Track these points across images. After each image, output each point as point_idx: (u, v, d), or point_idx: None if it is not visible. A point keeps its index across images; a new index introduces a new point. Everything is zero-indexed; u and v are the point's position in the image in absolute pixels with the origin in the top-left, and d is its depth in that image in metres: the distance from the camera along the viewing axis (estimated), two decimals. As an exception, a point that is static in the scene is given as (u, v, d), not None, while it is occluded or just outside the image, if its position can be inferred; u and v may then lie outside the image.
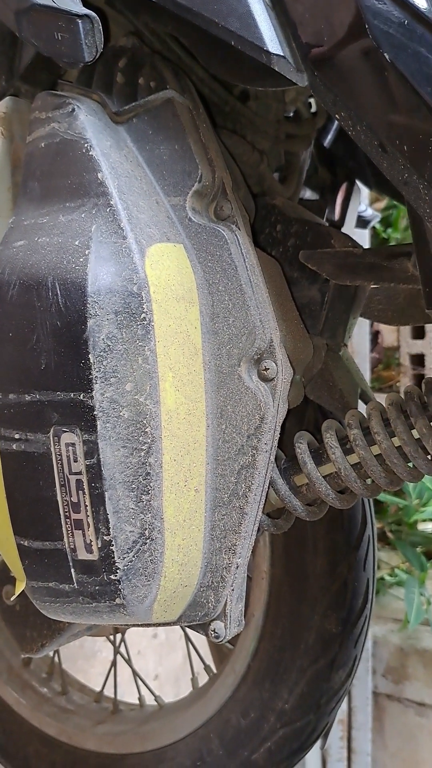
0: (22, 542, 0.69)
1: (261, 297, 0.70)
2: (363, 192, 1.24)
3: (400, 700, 1.94)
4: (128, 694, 1.26)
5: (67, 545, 0.66)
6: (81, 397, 0.63)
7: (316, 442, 0.79)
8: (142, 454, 0.64)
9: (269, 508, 0.79)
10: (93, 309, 0.62)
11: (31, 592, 0.71)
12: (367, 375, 2.08)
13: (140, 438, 0.64)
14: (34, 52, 0.74)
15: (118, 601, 0.66)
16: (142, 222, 0.66)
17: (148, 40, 0.75)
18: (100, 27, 0.62)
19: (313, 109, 1.04)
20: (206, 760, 1.04)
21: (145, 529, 0.65)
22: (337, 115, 0.63)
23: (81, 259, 0.63)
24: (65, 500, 0.65)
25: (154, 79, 0.73)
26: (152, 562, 0.66)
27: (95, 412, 0.63)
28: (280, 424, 0.73)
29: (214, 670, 1.15)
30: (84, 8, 0.62)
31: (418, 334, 2.28)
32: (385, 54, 0.58)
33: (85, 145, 0.67)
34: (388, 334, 2.48)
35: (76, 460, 0.64)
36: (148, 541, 0.65)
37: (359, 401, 0.91)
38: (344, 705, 1.93)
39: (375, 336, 2.42)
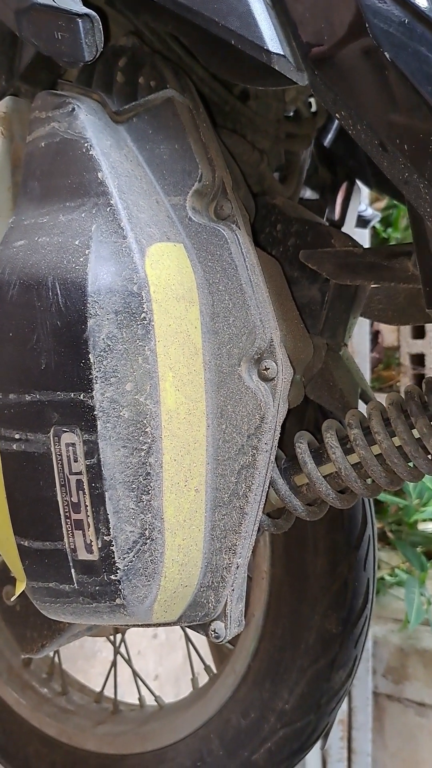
0: (22, 542, 0.68)
1: (261, 296, 0.70)
2: (363, 191, 1.24)
3: (401, 700, 1.93)
4: (128, 695, 1.26)
5: (67, 545, 0.66)
6: (81, 397, 0.63)
7: (317, 441, 0.79)
8: (143, 454, 0.64)
9: (269, 507, 0.79)
10: (93, 309, 0.62)
11: (32, 593, 0.71)
12: (367, 375, 2.08)
13: (140, 438, 0.64)
14: (34, 51, 0.74)
15: (118, 601, 0.66)
16: (142, 221, 0.66)
17: (148, 40, 0.75)
18: (101, 26, 0.62)
19: (314, 108, 1.04)
20: (206, 760, 1.04)
21: (146, 529, 0.65)
22: (337, 115, 0.63)
23: (81, 259, 0.63)
24: (65, 500, 0.65)
25: (154, 78, 0.73)
26: (152, 562, 0.66)
27: (95, 412, 0.63)
28: (281, 424, 0.73)
29: (215, 671, 1.15)
30: (84, 8, 0.62)
31: (418, 333, 2.28)
32: (386, 53, 0.58)
33: (85, 144, 0.66)
34: (388, 333, 2.48)
35: (76, 460, 0.64)
36: (148, 541, 0.65)
37: (359, 401, 0.91)
38: (344, 705, 1.93)
39: (375, 336, 2.42)
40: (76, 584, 0.67)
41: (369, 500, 1.01)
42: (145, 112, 0.71)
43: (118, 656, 1.23)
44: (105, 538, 0.64)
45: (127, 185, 0.67)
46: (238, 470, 0.70)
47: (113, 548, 0.64)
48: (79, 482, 0.64)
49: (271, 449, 0.71)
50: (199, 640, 1.09)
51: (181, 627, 0.83)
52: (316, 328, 0.84)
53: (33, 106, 0.71)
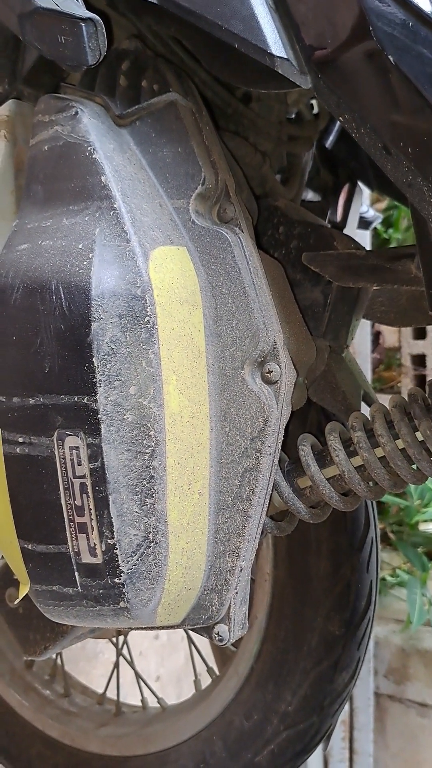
0: (25, 545, 0.69)
1: (264, 299, 0.70)
2: (364, 193, 1.24)
3: (402, 701, 1.94)
4: (130, 696, 1.26)
5: (70, 549, 0.66)
6: (85, 401, 0.63)
7: (320, 444, 0.79)
8: (146, 457, 0.64)
9: (273, 510, 0.79)
10: (97, 312, 0.62)
11: (35, 596, 0.71)
12: (368, 375, 2.08)
13: (144, 441, 0.64)
14: (37, 55, 0.74)
15: (122, 604, 0.66)
16: (146, 225, 0.66)
17: (151, 43, 0.75)
18: (104, 30, 0.62)
19: (315, 110, 1.04)
20: (209, 762, 1.04)
21: (149, 532, 0.65)
22: (340, 117, 0.63)
23: (85, 263, 0.63)
24: (69, 504, 0.65)
25: (157, 81, 0.73)
26: (156, 565, 0.66)
27: (99, 416, 0.63)
28: (284, 427, 0.73)
29: (217, 672, 1.15)
30: (87, 11, 0.62)
31: (420, 334, 2.28)
32: (389, 56, 0.58)
33: (89, 148, 0.67)
34: (390, 334, 2.48)
35: (80, 464, 0.64)
36: (152, 544, 0.65)
37: (362, 403, 0.91)
38: (346, 706, 1.93)
39: (376, 336, 2.42)
40: (79, 587, 0.67)
41: (371, 502, 1.01)
42: (148, 115, 0.71)
43: (120, 658, 1.23)
44: (109, 541, 0.64)
45: (131, 188, 0.67)
46: (241, 473, 0.70)
47: (117, 551, 0.64)
48: (82, 485, 0.64)
49: (274, 452, 0.71)
50: (201, 641, 1.09)
51: (184, 629, 0.83)
52: (318, 331, 0.84)
53: (36, 109, 0.71)
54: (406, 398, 0.76)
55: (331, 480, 0.77)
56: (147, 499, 0.65)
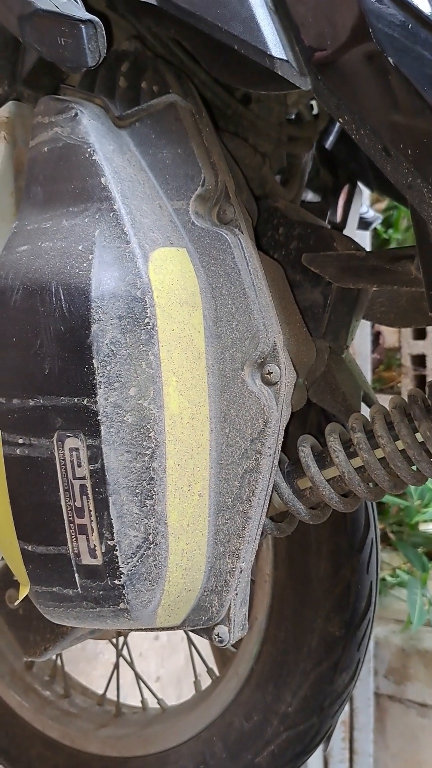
0: (26, 547, 0.69)
1: (264, 300, 0.70)
2: (364, 193, 1.24)
3: (402, 701, 1.94)
4: (130, 697, 1.26)
5: (71, 550, 0.66)
6: (85, 402, 0.63)
7: (320, 445, 0.79)
8: (146, 458, 0.64)
9: (273, 511, 0.79)
10: (97, 314, 0.62)
11: (35, 597, 0.71)
12: (368, 376, 2.08)
13: (144, 443, 0.64)
14: (37, 56, 0.74)
15: (122, 605, 0.66)
16: (146, 226, 0.66)
17: (150, 44, 0.75)
18: (103, 32, 0.62)
19: (315, 111, 1.04)
20: (209, 763, 1.04)
21: (149, 533, 0.65)
22: (340, 119, 0.63)
23: (84, 264, 0.63)
24: (69, 505, 0.65)
25: (156, 83, 0.73)
26: (156, 566, 0.66)
27: (99, 417, 0.63)
28: (284, 428, 0.73)
29: (217, 673, 1.15)
30: (87, 13, 0.62)
31: (420, 335, 2.28)
32: (389, 57, 0.58)
33: (88, 149, 0.67)
34: (390, 335, 2.48)
35: (79, 465, 0.64)
36: (152, 545, 0.65)
37: (362, 404, 0.91)
38: (346, 706, 1.93)
39: (376, 337, 2.42)
40: (79, 589, 0.67)
41: (371, 503, 1.01)
42: (148, 116, 0.71)
43: (120, 659, 1.23)
44: (109, 542, 0.64)
45: (130, 190, 0.67)
46: (241, 474, 0.70)
47: (117, 553, 0.64)
48: (82, 487, 0.64)
49: (274, 453, 0.71)
50: (201, 642, 1.09)
51: (184, 630, 0.83)
52: (318, 332, 0.84)
53: (36, 110, 0.71)
54: (406, 399, 0.76)
55: (331, 481, 0.77)
56: (147, 501, 0.65)
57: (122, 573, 0.65)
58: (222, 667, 1.21)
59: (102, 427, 0.63)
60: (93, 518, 0.64)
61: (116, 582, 0.65)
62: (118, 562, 0.65)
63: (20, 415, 0.66)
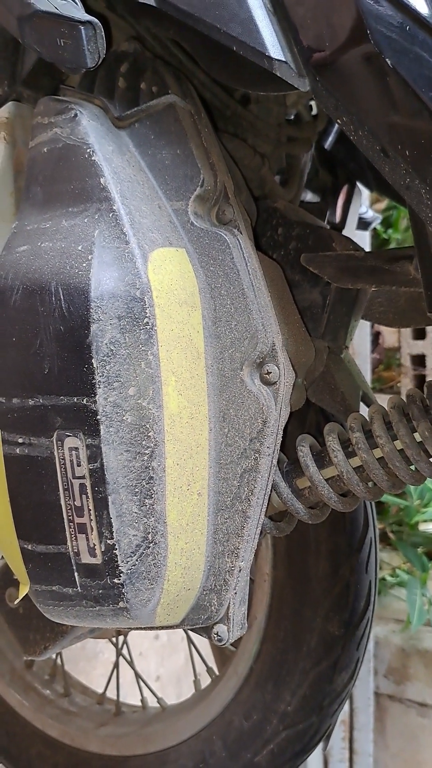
0: (25, 546, 0.69)
1: (263, 301, 0.70)
2: (363, 193, 1.24)
3: (402, 701, 1.94)
4: (130, 696, 1.27)
5: (70, 549, 0.66)
6: (84, 402, 0.63)
7: (318, 445, 0.80)
8: (146, 458, 0.64)
9: (272, 511, 0.79)
10: (96, 314, 0.62)
11: (35, 596, 0.71)
12: (367, 376, 2.08)
13: (143, 442, 0.64)
14: (37, 57, 0.74)
15: (121, 604, 0.66)
16: (145, 227, 0.66)
17: (149, 45, 0.76)
18: (103, 33, 0.62)
19: (314, 111, 1.04)
20: (209, 762, 1.04)
21: (149, 532, 0.65)
22: (338, 120, 0.63)
23: (84, 264, 0.63)
24: (69, 504, 0.65)
25: (156, 83, 0.73)
26: (155, 565, 0.66)
27: (98, 417, 0.63)
28: (283, 428, 0.73)
29: (217, 672, 1.15)
30: (86, 14, 0.62)
31: (419, 334, 2.29)
32: (387, 59, 0.58)
33: (88, 150, 0.67)
34: (389, 334, 2.49)
35: (79, 465, 0.64)
36: (151, 545, 0.65)
37: (361, 404, 0.92)
38: (346, 706, 1.93)
39: (376, 337, 2.42)
40: (79, 587, 0.67)
41: (370, 503, 1.02)
42: (147, 117, 0.71)
43: (120, 658, 1.23)
44: (108, 541, 0.65)
45: (130, 190, 0.67)
46: (240, 474, 0.70)
47: (116, 552, 0.65)
48: (82, 486, 0.65)
49: (273, 453, 0.71)
50: (201, 641, 1.09)
51: (184, 629, 0.83)
52: (317, 332, 0.84)
53: (35, 111, 0.71)
54: (405, 399, 0.77)
55: (329, 481, 0.77)
56: (146, 500, 0.65)
57: (122, 572, 0.65)
58: (221, 666, 1.21)
59: (101, 427, 0.63)
60: (92, 517, 0.65)
61: (116, 581, 0.65)
62: (117, 561, 0.65)
63: (20, 415, 0.66)
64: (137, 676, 1.23)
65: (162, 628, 0.72)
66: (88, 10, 0.64)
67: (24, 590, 0.72)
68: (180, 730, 1.09)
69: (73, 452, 0.64)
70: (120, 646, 1.23)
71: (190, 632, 1.05)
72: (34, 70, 0.75)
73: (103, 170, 0.66)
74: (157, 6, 0.65)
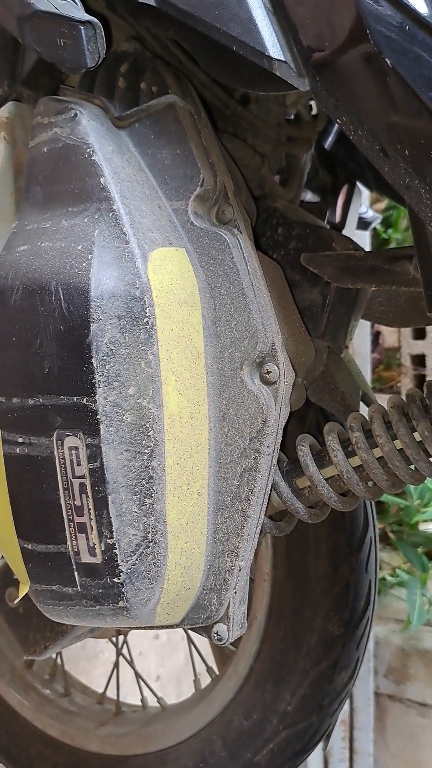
0: (25, 545, 0.69)
1: (263, 300, 0.70)
2: (363, 193, 1.24)
3: (402, 701, 1.94)
4: (130, 696, 1.27)
5: (70, 548, 0.66)
6: (84, 401, 0.63)
7: (318, 444, 0.80)
8: (145, 457, 0.64)
9: (271, 510, 0.80)
10: (96, 313, 0.62)
11: (35, 595, 0.71)
12: (368, 375, 2.08)
13: (143, 441, 0.64)
14: (37, 57, 0.74)
15: (121, 604, 0.66)
16: (145, 226, 0.66)
17: (149, 45, 0.76)
18: (102, 33, 0.62)
19: (314, 111, 1.04)
20: (209, 761, 1.04)
21: (148, 532, 0.65)
22: (338, 120, 0.63)
23: (84, 264, 0.63)
24: (68, 504, 0.65)
25: (155, 83, 0.73)
26: (155, 565, 0.66)
27: (98, 416, 0.63)
28: (283, 427, 0.73)
29: (217, 672, 1.15)
30: (86, 14, 0.62)
31: (419, 334, 2.29)
32: (386, 59, 0.58)
33: (88, 149, 0.67)
34: (389, 334, 2.49)
35: (79, 464, 0.64)
36: (151, 544, 0.66)
37: (361, 403, 0.92)
38: (346, 705, 1.93)
39: (376, 337, 2.42)
40: (79, 587, 0.67)
41: (370, 502, 1.02)
42: (147, 117, 0.71)
43: (120, 657, 1.24)
44: (108, 541, 0.65)
45: (130, 190, 0.67)
46: (240, 473, 0.70)
47: (116, 551, 0.65)
48: (82, 486, 0.65)
49: (273, 452, 0.71)
50: (201, 641, 1.09)
51: (184, 629, 0.83)
52: (317, 331, 0.84)
53: (35, 111, 0.71)
54: (405, 399, 0.77)
55: (329, 480, 0.77)
56: (146, 499, 0.65)
57: (121, 571, 0.65)
58: (221, 666, 1.21)
59: (101, 426, 0.63)
60: (92, 517, 0.65)
61: (115, 580, 0.65)
62: (117, 561, 0.65)
63: (20, 414, 0.66)
64: (137, 675, 1.23)
65: (162, 627, 0.72)
66: (88, 10, 0.64)
67: (24, 590, 0.73)
68: (180, 729, 1.09)
69: (73, 452, 0.64)
70: (120, 645, 1.23)
71: (190, 632, 1.05)
72: (34, 70, 0.75)
73: (103, 170, 0.66)
74: (157, 6, 0.65)
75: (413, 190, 0.61)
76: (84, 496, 0.65)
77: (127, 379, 0.63)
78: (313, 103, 1.03)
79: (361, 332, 2.00)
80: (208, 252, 0.70)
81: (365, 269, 0.78)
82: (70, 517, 0.66)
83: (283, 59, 0.62)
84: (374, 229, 2.34)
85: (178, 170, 0.71)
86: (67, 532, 0.66)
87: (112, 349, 0.63)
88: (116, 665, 1.24)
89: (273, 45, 0.62)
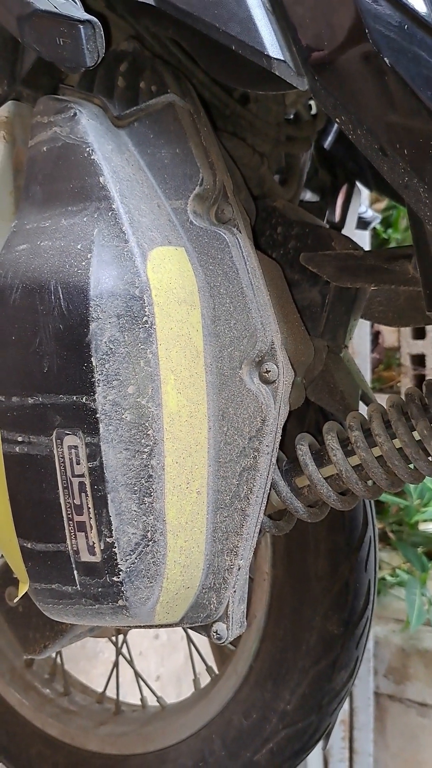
0: (25, 544, 0.69)
1: (262, 299, 0.70)
2: (363, 193, 1.24)
3: (402, 701, 1.94)
4: (130, 695, 1.27)
5: (69, 547, 0.66)
6: (83, 400, 0.63)
7: (318, 443, 0.80)
8: (145, 456, 0.64)
9: (271, 509, 0.80)
10: (95, 312, 0.62)
11: (34, 594, 0.71)
12: (367, 375, 2.08)
13: (142, 440, 0.64)
14: (36, 56, 0.74)
15: (120, 603, 0.66)
16: (144, 225, 0.67)
17: (149, 44, 0.76)
18: (102, 32, 0.62)
19: (313, 111, 1.04)
20: (208, 761, 1.04)
21: (148, 531, 0.65)
22: (337, 119, 0.63)
23: (83, 263, 0.63)
24: (68, 502, 0.65)
25: (155, 83, 0.73)
26: (155, 564, 0.66)
27: (98, 415, 0.63)
28: (282, 426, 0.73)
29: (216, 671, 1.15)
30: (86, 14, 0.62)
31: (419, 334, 2.29)
32: (385, 58, 0.58)
33: (87, 149, 0.67)
34: (389, 334, 2.49)
35: (78, 463, 0.64)
36: (150, 543, 0.66)
37: (360, 403, 0.92)
38: (346, 705, 1.94)
39: (375, 336, 2.42)
40: (78, 586, 0.67)
41: (370, 501, 1.02)
42: (147, 116, 0.71)
43: (120, 657, 1.24)
44: (107, 540, 0.65)
45: (129, 189, 0.68)
46: (239, 472, 0.70)
47: (116, 550, 0.65)
48: (81, 485, 0.65)
49: (272, 451, 0.71)
50: (201, 640, 1.09)
51: (183, 628, 0.83)
52: (316, 331, 0.84)
53: (35, 110, 0.71)
54: (404, 398, 0.77)
55: (328, 479, 0.77)
56: (145, 498, 0.65)
57: (121, 570, 0.65)
58: (221, 665, 1.21)
59: (101, 425, 0.63)
60: (92, 515, 0.65)
61: (115, 579, 0.65)
62: (116, 559, 0.65)
63: (19, 413, 0.66)
64: (137, 675, 1.23)
65: (161, 626, 0.72)
66: (88, 9, 0.64)
67: (23, 589, 0.73)
68: (179, 729, 1.09)
69: (73, 450, 0.64)
70: (120, 645, 1.23)
71: (189, 631, 1.06)
72: (34, 69, 0.75)
73: (103, 169, 0.66)
74: (157, 5, 0.65)
75: (412, 189, 0.61)
76: (83, 494, 0.65)
77: (126, 377, 0.63)
78: (312, 102, 1.04)
79: (361, 332, 2.00)
80: (207, 251, 0.70)
81: (364, 268, 0.78)
82: (70, 515, 0.66)
83: (282, 58, 0.62)
84: (374, 228, 2.34)
85: (178, 169, 0.71)
86: (67, 531, 0.66)
87: (111, 348, 0.63)
88: (116, 665, 1.24)
89: (272, 44, 0.62)
